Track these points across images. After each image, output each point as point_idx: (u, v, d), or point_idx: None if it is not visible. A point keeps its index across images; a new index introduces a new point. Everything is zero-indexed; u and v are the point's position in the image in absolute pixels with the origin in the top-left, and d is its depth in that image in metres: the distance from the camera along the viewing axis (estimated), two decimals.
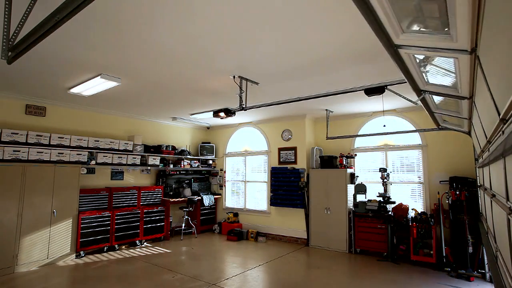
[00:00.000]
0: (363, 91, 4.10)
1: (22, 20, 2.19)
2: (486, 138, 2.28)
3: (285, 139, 7.54)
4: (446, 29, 1.47)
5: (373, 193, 6.31)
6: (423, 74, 2.34)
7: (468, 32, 1.31)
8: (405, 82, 2.99)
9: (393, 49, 1.87)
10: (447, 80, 2.31)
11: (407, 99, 3.64)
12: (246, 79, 4.38)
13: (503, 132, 1.57)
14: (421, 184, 6.10)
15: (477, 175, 4.82)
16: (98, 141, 6.20)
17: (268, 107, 5.69)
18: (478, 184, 4.79)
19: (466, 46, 1.46)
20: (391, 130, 6.30)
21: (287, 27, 2.81)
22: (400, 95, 3.74)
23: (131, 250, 6.29)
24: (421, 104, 3.23)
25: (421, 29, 1.61)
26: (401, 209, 5.76)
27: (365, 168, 6.89)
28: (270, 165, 7.76)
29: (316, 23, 2.73)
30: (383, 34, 1.67)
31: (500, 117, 1.46)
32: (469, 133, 4.33)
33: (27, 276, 4.71)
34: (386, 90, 3.65)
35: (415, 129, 6.03)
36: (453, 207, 5.28)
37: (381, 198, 5.99)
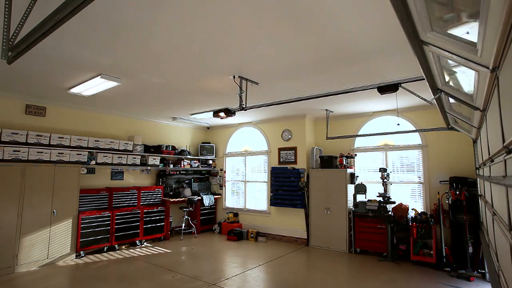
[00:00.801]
0: (363, 91, 4.08)
1: (22, 20, 2.19)
2: (489, 154, 2.28)
3: (285, 139, 7.54)
4: (473, 41, 1.44)
5: (373, 193, 6.30)
6: (444, 73, 2.31)
7: (493, 51, 1.28)
8: (420, 80, 2.94)
9: (418, 44, 1.81)
10: (467, 87, 2.29)
11: (422, 98, 3.61)
12: (246, 79, 4.38)
13: (505, 161, 1.56)
14: (421, 184, 6.10)
15: (478, 182, 4.81)
16: (98, 141, 6.20)
17: (268, 107, 5.69)
18: (479, 193, 4.78)
19: (488, 64, 1.43)
20: (391, 130, 6.30)
21: (287, 27, 2.81)
22: (414, 93, 3.70)
23: (131, 250, 6.29)
24: (435, 103, 3.21)
25: (450, 33, 1.57)
26: (401, 209, 5.76)
27: (365, 168, 6.89)
28: (270, 165, 7.76)
29: (316, 23, 2.73)
30: (411, 27, 1.62)
31: (504, 144, 1.45)
32: (475, 141, 4.31)
33: (27, 276, 4.71)
34: (400, 87, 3.58)
35: (415, 129, 6.03)
36: (453, 207, 5.28)
37: (381, 198, 5.99)
